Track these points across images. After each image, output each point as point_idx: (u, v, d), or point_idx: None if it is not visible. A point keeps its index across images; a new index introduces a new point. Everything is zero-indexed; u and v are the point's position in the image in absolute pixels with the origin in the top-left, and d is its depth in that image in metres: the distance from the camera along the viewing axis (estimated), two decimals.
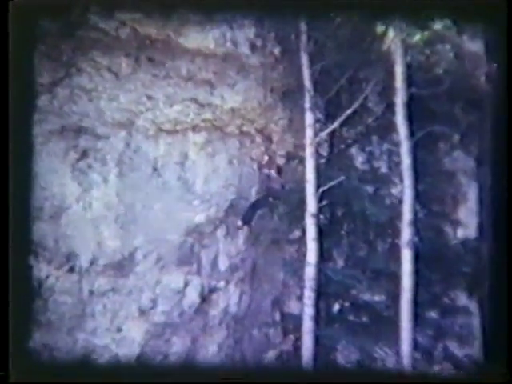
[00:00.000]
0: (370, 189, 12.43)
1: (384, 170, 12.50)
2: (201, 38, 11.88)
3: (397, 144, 11.93)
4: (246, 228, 12.54)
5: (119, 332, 11.89)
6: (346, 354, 12.36)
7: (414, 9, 10.79)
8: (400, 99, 11.77)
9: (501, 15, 8.85)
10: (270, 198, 12.93)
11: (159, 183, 12.13)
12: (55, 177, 11.80)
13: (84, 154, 11.87)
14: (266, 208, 12.91)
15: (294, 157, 12.60)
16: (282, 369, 11.31)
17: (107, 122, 11.91)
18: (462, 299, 12.15)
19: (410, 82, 11.79)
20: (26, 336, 10.23)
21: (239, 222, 12.71)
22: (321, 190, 12.10)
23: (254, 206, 12.84)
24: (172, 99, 12.07)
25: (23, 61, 8.68)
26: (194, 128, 12.16)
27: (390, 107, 11.97)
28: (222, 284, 12.31)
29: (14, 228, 10.19)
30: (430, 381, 7.20)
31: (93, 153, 11.91)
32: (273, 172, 12.63)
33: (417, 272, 11.74)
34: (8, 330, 7.52)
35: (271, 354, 12.60)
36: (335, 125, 12.16)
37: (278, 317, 12.81)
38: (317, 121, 12.21)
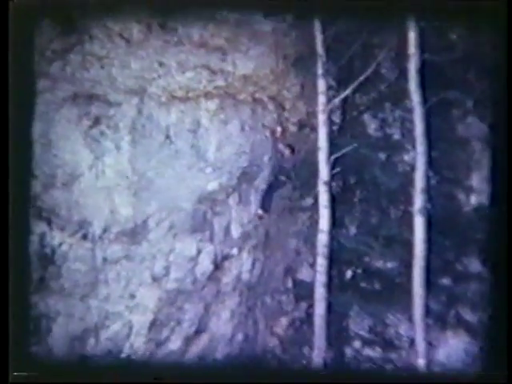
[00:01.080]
0: (382, 156, 12.37)
1: (397, 136, 12.43)
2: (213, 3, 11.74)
3: (410, 110, 11.88)
4: (266, 215, 12.49)
5: (132, 299, 11.89)
6: (358, 321, 12.34)
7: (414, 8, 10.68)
8: (413, 65, 11.69)
9: (501, 15, 8.78)
10: (282, 178, 12.80)
11: (172, 151, 12.11)
12: (68, 144, 11.76)
13: (96, 121, 11.88)
14: (281, 190, 12.80)
15: (307, 124, 12.45)
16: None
17: (119, 88, 11.90)
18: (475, 266, 12.08)
19: (423, 48, 11.63)
20: (26, 336, 10.25)
21: (259, 211, 12.76)
22: (333, 157, 12.05)
23: (269, 191, 12.83)
24: (184, 66, 12.02)
25: (23, 61, 8.66)
26: (207, 95, 12.11)
27: (403, 73, 11.86)
28: (234, 251, 12.30)
29: (27, 195, 10.18)
30: (430, 381, 7.21)
31: (105, 120, 11.93)
32: (287, 151, 12.50)
33: (429, 239, 11.73)
34: (8, 331, 7.52)
35: (283, 321, 12.59)
36: (348, 91, 12.10)
37: (290, 284, 12.81)
38: (329, 87, 12.13)
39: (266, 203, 12.71)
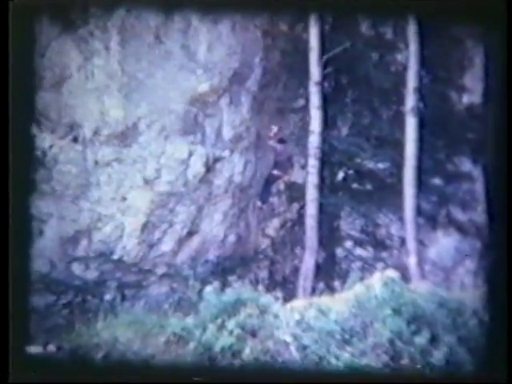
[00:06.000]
0: (375, 55, 12.20)
1: (389, 35, 12.26)
2: None
3: None
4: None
5: (124, 201, 11.81)
6: (349, 221, 12.38)
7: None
8: None
9: (501, 15, 8.61)
10: (275, 172, 12.99)
11: (161, 51, 11.87)
12: (55, 44, 11.53)
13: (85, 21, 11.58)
14: (277, 182, 13.02)
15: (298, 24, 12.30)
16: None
17: None
18: (466, 165, 12.07)
19: None
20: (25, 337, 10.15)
21: (259, 203, 12.87)
22: (325, 57, 11.84)
23: (267, 184, 12.99)
24: None
25: (23, 61, 8.53)
26: None
27: None
28: (226, 153, 12.26)
29: (16, 98, 10.04)
30: (429, 381, 7.18)
31: (93, 19, 11.61)
32: (278, 145, 12.68)
33: (421, 139, 11.70)
34: (8, 333, 7.47)
35: (275, 222, 12.62)
36: None
37: (282, 185, 12.76)
38: None
39: (264, 195, 12.99)
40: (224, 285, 11.27)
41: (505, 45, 8.64)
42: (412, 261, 11.51)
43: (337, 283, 11.96)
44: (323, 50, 11.87)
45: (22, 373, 7.17)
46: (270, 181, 12.93)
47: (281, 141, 12.67)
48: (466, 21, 10.86)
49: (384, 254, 12.09)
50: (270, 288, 11.86)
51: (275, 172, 12.89)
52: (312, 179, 11.97)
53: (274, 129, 12.72)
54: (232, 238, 12.39)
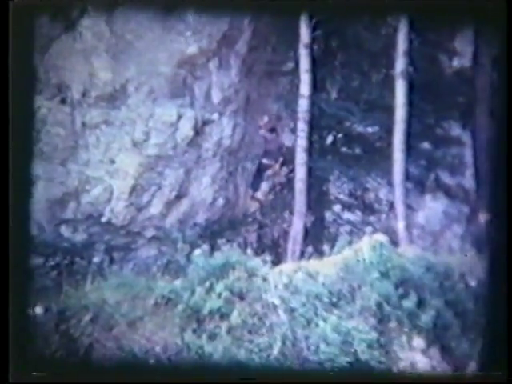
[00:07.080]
0: (365, 17, 12.05)
1: None
2: None
3: None
4: None
5: (112, 164, 11.76)
6: (338, 185, 12.39)
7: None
8: None
9: (501, 15, 8.47)
10: (265, 161, 12.96)
11: (150, 12, 11.67)
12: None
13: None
14: (270, 170, 12.93)
15: None
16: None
17: None
18: (456, 129, 12.06)
19: None
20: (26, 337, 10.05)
21: (250, 191, 12.85)
22: (315, 19, 11.69)
23: (258, 173, 12.96)
24: None
25: (23, 61, 8.38)
26: None
27: None
28: (215, 116, 12.19)
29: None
30: (428, 381, 7.20)
31: None
32: (269, 135, 12.59)
33: (410, 103, 11.62)
34: (8, 334, 7.42)
35: (264, 186, 12.63)
36: None
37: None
38: None
39: (255, 184, 12.97)
40: (213, 248, 11.29)
41: (505, 44, 8.61)
42: (400, 225, 11.57)
43: (325, 247, 11.88)
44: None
45: (22, 373, 7.23)
46: (260, 170, 12.93)
47: (272, 130, 12.47)
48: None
49: (372, 218, 12.14)
50: (258, 251, 11.92)
51: (265, 161, 12.74)
52: (301, 143, 11.98)
53: (265, 118, 12.52)
54: (221, 201, 12.41)
